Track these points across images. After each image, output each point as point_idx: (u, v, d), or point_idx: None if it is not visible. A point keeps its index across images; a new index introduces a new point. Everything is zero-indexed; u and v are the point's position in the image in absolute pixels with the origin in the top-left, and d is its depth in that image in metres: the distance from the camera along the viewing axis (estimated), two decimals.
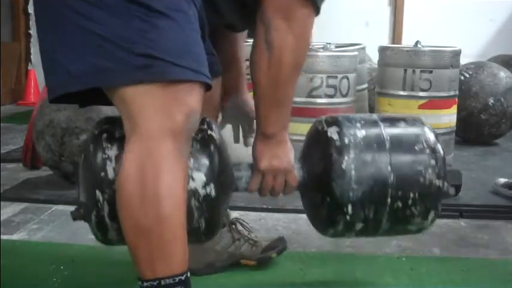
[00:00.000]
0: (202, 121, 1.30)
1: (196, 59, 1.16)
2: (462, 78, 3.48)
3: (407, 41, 5.18)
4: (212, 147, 1.28)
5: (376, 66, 3.44)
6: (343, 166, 1.32)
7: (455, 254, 1.96)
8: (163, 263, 1.12)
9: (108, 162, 1.22)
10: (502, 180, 2.58)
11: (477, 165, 3.20)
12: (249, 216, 2.32)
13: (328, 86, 2.80)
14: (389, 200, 1.34)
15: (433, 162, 1.35)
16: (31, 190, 2.55)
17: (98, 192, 1.22)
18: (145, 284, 1.14)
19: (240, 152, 2.65)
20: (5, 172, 2.79)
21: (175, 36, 1.13)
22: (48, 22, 1.17)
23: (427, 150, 1.36)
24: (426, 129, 1.41)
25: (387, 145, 1.35)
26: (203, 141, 1.28)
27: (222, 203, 1.31)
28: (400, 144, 1.37)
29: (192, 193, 1.23)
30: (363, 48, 3.37)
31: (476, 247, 2.07)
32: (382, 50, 3.19)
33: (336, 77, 2.82)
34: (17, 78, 5.57)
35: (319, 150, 1.40)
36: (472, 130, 3.62)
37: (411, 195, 1.35)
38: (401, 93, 2.89)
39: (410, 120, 1.45)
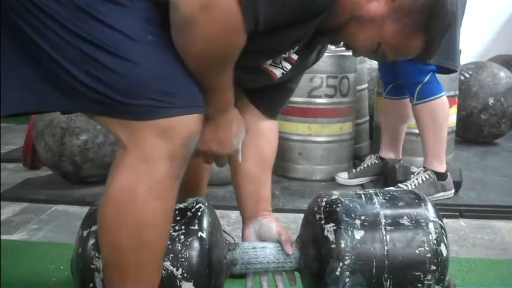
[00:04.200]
0: (193, 219, 1.26)
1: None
2: (462, 78, 3.48)
3: None
4: (203, 253, 1.24)
5: (376, 66, 3.43)
6: (337, 273, 1.28)
7: (455, 254, 1.96)
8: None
9: (96, 274, 1.20)
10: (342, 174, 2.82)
11: (477, 165, 3.20)
12: None
13: (328, 86, 2.81)
14: None
15: (433, 267, 1.29)
16: (31, 190, 2.55)
17: None
18: None
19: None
20: (5, 172, 2.79)
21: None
22: None
23: (429, 254, 1.29)
24: (431, 227, 1.31)
25: (385, 248, 1.28)
26: (193, 245, 1.23)
27: None
28: (399, 248, 1.29)
29: None
30: None
31: (476, 247, 2.07)
32: None
33: (336, 77, 2.82)
34: None
35: (316, 244, 1.34)
36: (472, 130, 3.63)
37: None
38: None
39: (415, 215, 1.34)
